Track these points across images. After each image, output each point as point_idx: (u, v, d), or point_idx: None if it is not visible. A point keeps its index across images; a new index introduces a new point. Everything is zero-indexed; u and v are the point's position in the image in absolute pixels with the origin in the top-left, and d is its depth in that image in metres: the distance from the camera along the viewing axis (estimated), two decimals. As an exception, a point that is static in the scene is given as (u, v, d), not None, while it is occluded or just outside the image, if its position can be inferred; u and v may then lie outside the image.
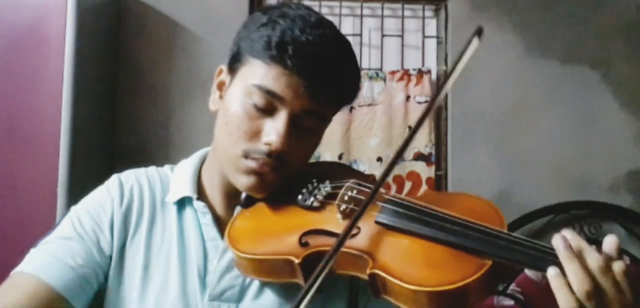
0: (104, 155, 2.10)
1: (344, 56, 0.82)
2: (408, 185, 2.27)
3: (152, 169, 0.93)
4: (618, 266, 0.61)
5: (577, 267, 0.61)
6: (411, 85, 2.29)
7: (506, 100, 2.32)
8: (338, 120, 2.20)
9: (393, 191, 0.84)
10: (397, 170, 2.25)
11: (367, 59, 2.36)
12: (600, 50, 2.36)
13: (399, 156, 0.74)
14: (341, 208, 0.78)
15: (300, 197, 0.82)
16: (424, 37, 2.39)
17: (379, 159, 2.26)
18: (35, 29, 1.75)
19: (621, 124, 2.35)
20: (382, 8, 2.36)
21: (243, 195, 0.83)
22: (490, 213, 0.73)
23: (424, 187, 2.27)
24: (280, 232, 0.79)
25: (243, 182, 0.80)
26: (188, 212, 0.86)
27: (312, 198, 0.82)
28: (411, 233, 0.72)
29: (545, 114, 2.33)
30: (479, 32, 0.71)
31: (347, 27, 2.34)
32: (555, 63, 2.34)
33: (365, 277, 0.70)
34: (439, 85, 0.62)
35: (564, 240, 0.63)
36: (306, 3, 1.43)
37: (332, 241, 0.71)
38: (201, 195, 0.88)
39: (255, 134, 0.78)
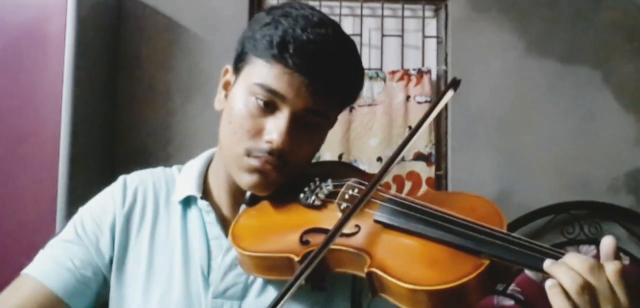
0: (104, 155, 2.10)
1: (346, 55, 0.82)
2: (408, 185, 2.27)
3: (158, 170, 0.94)
4: (612, 267, 0.60)
5: (567, 268, 0.61)
6: (411, 85, 2.29)
7: (506, 100, 2.32)
8: (338, 120, 2.19)
9: (393, 191, 0.83)
10: (397, 170, 2.26)
11: (367, 59, 2.36)
12: (600, 50, 2.36)
13: (395, 157, 0.74)
14: (341, 207, 0.79)
15: (302, 195, 0.83)
16: (424, 37, 2.39)
17: (379, 159, 2.26)
18: (35, 29, 1.75)
19: (621, 124, 2.35)
20: (382, 8, 2.36)
21: (248, 193, 0.83)
22: (491, 213, 0.73)
23: (424, 187, 2.27)
24: (282, 230, 0.79)
25: (246, 180, 0.81)
26: (193, 211, 0.87)
27: (313, 197, 0.82)
28: (410, 233, 0.72)
29: (545, 114, 2.33)
30: (454, 84, 0.73)
31: (347, 27, 2.32)
32: (555, 63, 2.34)
33: (363, 275, 0.70)
34: (410, 133, 0.64)
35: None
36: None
37: None
38: (207, 194, 0.88)
39: (258, 132, 0.79)
